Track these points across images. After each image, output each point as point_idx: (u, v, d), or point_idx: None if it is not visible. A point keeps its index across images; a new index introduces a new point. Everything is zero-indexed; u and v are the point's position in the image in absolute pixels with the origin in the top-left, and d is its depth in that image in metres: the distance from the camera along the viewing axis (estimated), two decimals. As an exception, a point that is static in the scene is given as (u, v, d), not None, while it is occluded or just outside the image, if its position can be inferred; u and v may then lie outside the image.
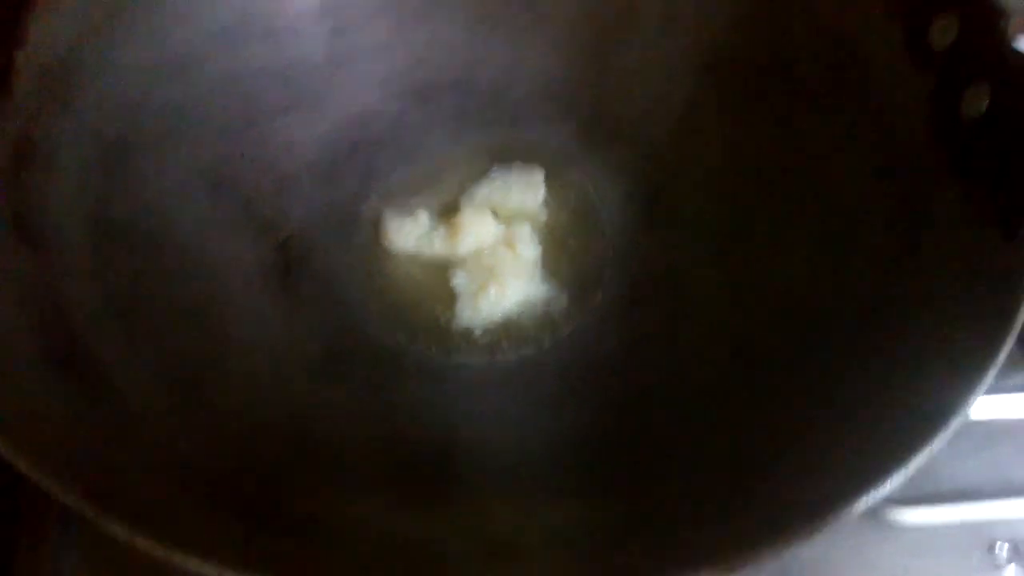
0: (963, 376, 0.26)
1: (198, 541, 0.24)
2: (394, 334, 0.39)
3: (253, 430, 0.33)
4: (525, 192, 0.43)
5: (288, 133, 0.42)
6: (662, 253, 0.41)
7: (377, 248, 0.42)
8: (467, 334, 0.39)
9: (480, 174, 0.43)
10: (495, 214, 0.42)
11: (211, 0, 0.40)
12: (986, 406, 0.38)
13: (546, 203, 0.43)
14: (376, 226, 0.42)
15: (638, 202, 0.42)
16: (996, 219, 0.30)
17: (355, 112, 0.44)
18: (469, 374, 0.39)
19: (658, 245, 0.41)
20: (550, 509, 0.32)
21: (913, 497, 0.36)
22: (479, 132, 0.45)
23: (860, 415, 0.28)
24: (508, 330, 0.40)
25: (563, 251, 0.42)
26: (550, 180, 0.43)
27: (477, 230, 0.41)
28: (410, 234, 0.41)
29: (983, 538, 0.36)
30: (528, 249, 0.41)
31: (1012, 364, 0.34)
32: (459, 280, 0.40)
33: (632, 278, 0.41)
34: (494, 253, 0.41)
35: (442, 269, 0.41)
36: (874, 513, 0.35)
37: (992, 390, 0.26)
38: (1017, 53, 0.31)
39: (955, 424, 0.25)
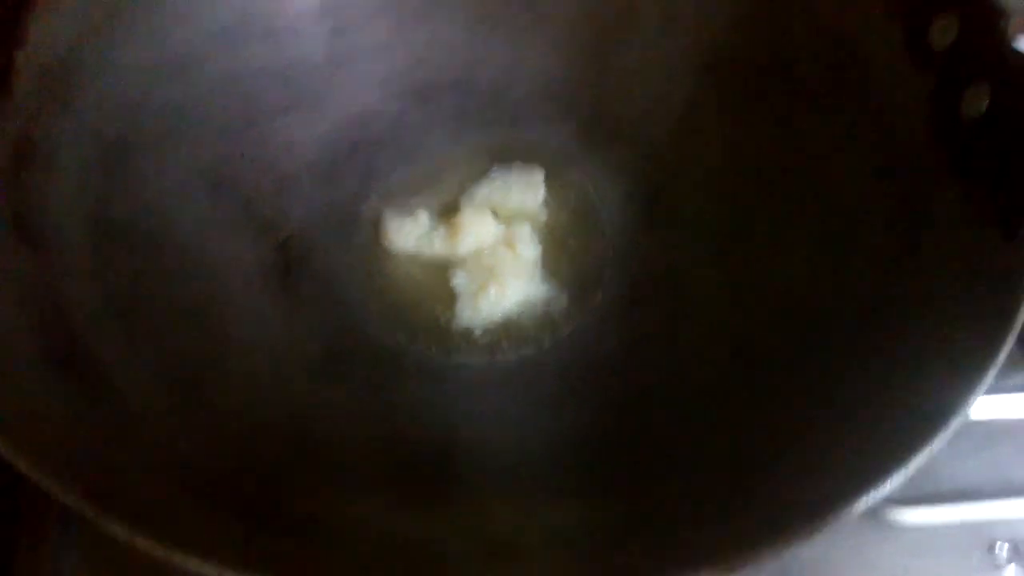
0: (963, 376, 0.26)
1: (198, 541, 0.24)
2: (394, 334, 0.39)
3: (253, 430, 0.33)
4: (525, 192, 0.43)
5: (288, 133, 0.42)
6: (662, 253, 0.41)
7: (377, 248, 0.42)
8: (467, 334, 0.39)
9: (480, 174, 0.43)
10: (495, 214, 0.42)
11: (211, 0, 0.40)
12: (986, 406, 0.38)
13: (546, 203, 0.43)
14: (376, 226, 0.42)
15: (638, 202, 0.42)
16: (996, 219, 0.30)
17: (355, 112, 0.44)
18: (469, 374, 0.39)
19: (658, 245, 0.41)
20: (550, 509, 0.32)
21: (913, 497, 0.36)
22: (479, 132, 0.45)
23: (860, 415, 0.28)
24: (508, 330, 0.40)
25: (563, 251, 0.42)
26: (550, 180, 0.43)
27: (477, 230, 0.41)
28: (410, 234, 0.41)
29: (983, 538, 0.36)
30: (528, 249, 0.41)
31: (1012, 364, 0.34)
32: (459, 280, 0.40)
33: (632, 278, 0.41)
34: (494, 253, 0.41)
35: (442, 269, 0.41)
36: (874, 513, 0.35)
37: (992, 390, 0.26)
38: (1017, 53, 0.31)
39: (955, 424, 0.25)
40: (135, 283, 0.35)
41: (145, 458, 0.29)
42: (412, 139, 0.44)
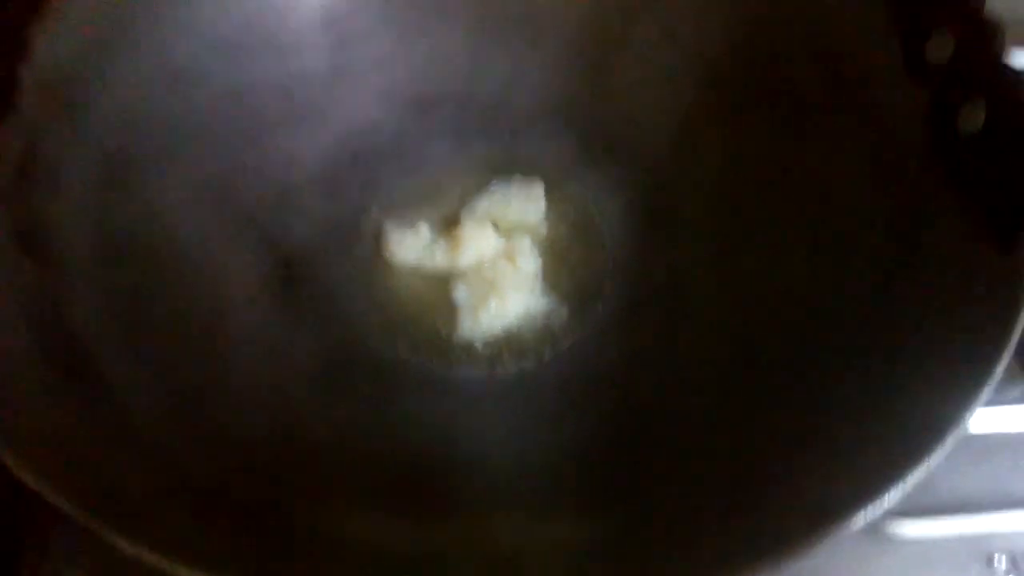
0: (961, 390, 0.26)
1: (200, 555, 0.24)
2: (395, 346, 0.40)
3: (254, 442, 0.33)
4: (525, 205, 0.43)
5: (290, 146, 0.42)
6: (661, 265, 0.41)
7: (378, 260, 0.42)
8: (468, 347, 0.40)
9: (480, 187, 0.43)
10: (496, 227, 0.42)
11: (214, 14, 0.40)
12: (985, 419, 0.38)
13: (546, 216, 0.43)
14: (377, 238, 0.42)
15: (637, 215, 0.43)
16: (993, 233, 0.30)
17: (356, 125, 0.44)
18: (470, 386, 0.39)
19: (657, 257, 0.41)
20: (551, 522, 0.32)
21: (912, 509, 0.36)
22: (479, 145, 0.45)
23: (858, 430, 0.29)
24: (509, 343, 0.40)
25: (563, 264, 0.42)
26: (550, 193, 0.43)
27: (478, 243, 0.41)
28: (411, 247, 0.42)
29: (981, 550, 0.36)
30: (528, 262, 0.41)
31: (1011, 377, 0.34)
32: (460, 293, 0.41)
33: (632, 290, 0.41)
34: (495, 266, 0.41)
35: (443, 282, 0.41)
36: (873, 525, 0.35)
37: (990, 403, 0.27)
38: (1012, 69, 0.31)
39: (953, 438, 0.25)
40: (138, 296, 0.35)
41: (148, 471, 0.29)
42: (413, 152, 0.44)
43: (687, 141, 0.42)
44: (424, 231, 0.42)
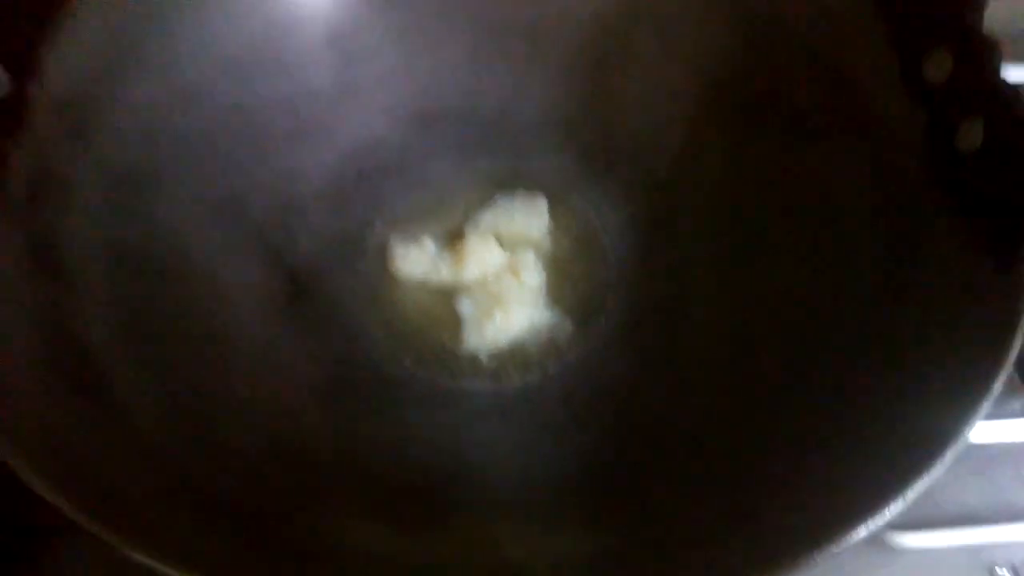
0: (960, 405, 0.27)
1: (206, 563, 0.24)
2: (400, 360, 0.40)
3: (260, 454, 0.34)
4: (529, 219, 0.43)
5: (296, 162, 0.43)
6: (664, 279, 0.41)
7: (384, 275, 0.42)
8: (473, 360, 0.40)
9: (484, 201, 0.44)
10: (500, 241, 0.42)
11: (221, 33, 0.41)
12: (986, 431, 0.38)
13: (549, 230, 0.43)
14: (382, 253, 0.42)
15: (640, 228, 0.43)
16: (992, 249, 0.30)
17: (361, 141, 0.44)
18: (475, 399, 0.39)
19: (660, 271, 0.42)
20: (555, 535, 0.32)
21: (914, 521, 0.36)
22: (483, 160, 0.45)
23: (859, 443, 0.29)
24: (513, 356, 0.40)
25: (567, 278, 0.42)
26: (553, 207, 0.44)
27: (482, 257, 0.42)
28: (416, 261, 0.42)
29: (983, 562, 0.36)
30: (532, 276, 0.42)
31: (1011, 390, 0.34)
32: (465, 306, 0.41)
33: (635, 303, 0.41)
34: (499, 280, 0.41)
35: (448, 296, 0.42)
36: (876, 537, 0.36)
37: (991, 416, 0.27)
38: (1010, 87, 0.32)
39: (953, 452, 0.26)
40: (147, 310, 0.35)
41: (155, 480, 0.30)
42: (417, 167, 0.45)
43: (688, 156, 0.43)
44: (429, 245, 0.42)
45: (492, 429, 0.38)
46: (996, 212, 0.31)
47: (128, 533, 0.24)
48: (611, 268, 0.42)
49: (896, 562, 0.36)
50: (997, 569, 0.36)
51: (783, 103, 0.40)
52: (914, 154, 0.34)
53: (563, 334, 0.41)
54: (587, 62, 0.45)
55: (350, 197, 0.44)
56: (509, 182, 0.45)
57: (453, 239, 0.43)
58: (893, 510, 0.25)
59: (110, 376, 0.32)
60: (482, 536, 0.32)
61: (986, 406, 0.26)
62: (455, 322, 0.41)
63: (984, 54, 0.32)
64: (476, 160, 0.45)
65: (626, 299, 0.41)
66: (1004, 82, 0.32)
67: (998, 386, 0.27)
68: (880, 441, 0.28)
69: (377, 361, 0.40)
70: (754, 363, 0.36)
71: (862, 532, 0.24)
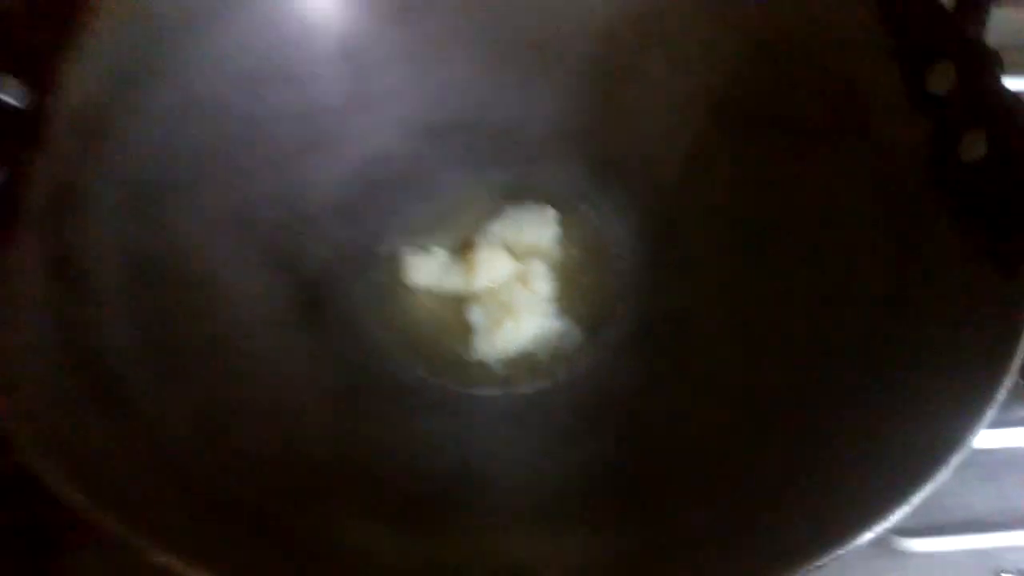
0: (965, 412, 0.27)
1: (225, 563, 0.25)
2: (412, 367, 0.40)
3: (276, 460, 0.34)
4: (538, 229, 0.44)
5: (310, 173, 0.43)
6: (672, 288, 0.42)
7: (396, 284, 0.43)
8: (483, 367, 0.40)
9: (494, 212, 0.44)
10: (510, 251, 0.43)
11: (236, 47, 0.41)
12: (993, 437, 0.38)
13: (559, 240, 0.44)
14: (394, 263, 0.43)
15: (648, 239, 0.43)
16: (996, 258, 0.31)
17: (373, 152, 0.45)
18: (486, 406, 0.39)
19: (668, 280, 0.42)
20: (564, 539, 0.33)
21: (922, 526, 0.37)
22: (493, 171, 0.46)
23: (864, 449, 0.29)
24: (523, 364, 0.40)
25: (576, 287, 0.43)
26: (562, 218, 0.44)
27: (492, 267, 0.42)
28: (427, 271, 0.42)
29: (990, 567, 0.36)
30: (542, 285, 0.42)
31: (1018, 397, 0.35)
32: (475, 315, 0.41)
33: (644, 313, 0.42)
34: (509, 289, 0.42)
35: (459, 304, 0.42)
36: (882, 542, 0.36)
37: (998, 423, 0.27)
38: (1013, 96, 0.32)
39: (957, 459, 0.26)
40: (166, 320, 0.36)
41: (176, 484, 0.30)
42: (428, 179, 0.45)
43: (695, 167, 0.43)
44: (440, 255, 0.43)
45: (502, 435, 0.38)
46: (1000, 220, 0.31)
47: (151, 534, 0.25)
48: (620, 277, 0.43)
49: (904, 567, 0.36)
50: (1004, 574, 0.36)
51: (789, 115, 0.40)
52: (918, 164, 0.35)
53: (572, 342, 0.41)
54: (596, 75, 0.45)
55: (362, 208, 0.44)
56: (519, 193, 0.45)
57: (464, 249, 0.43)
58: (898, 515, 0.25)
59: (129, 383, 0.33)
60: (492, 540, 0.33)
61: (990, 413, 0.27)
62: (466, 330, 0.41)
63: (986, 65, 0.33)
64: (486, 171, 0.46)
65: (634, 308, 0.42)
66: (1006, 92, 0.32)
67: (1002, 393, 0.27)
68: (885, 447, 0.29)
69: (389, 369, 0.40)
70: (760, 370, 0.37)
71: (868, 536, 0.25)
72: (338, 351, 0.40)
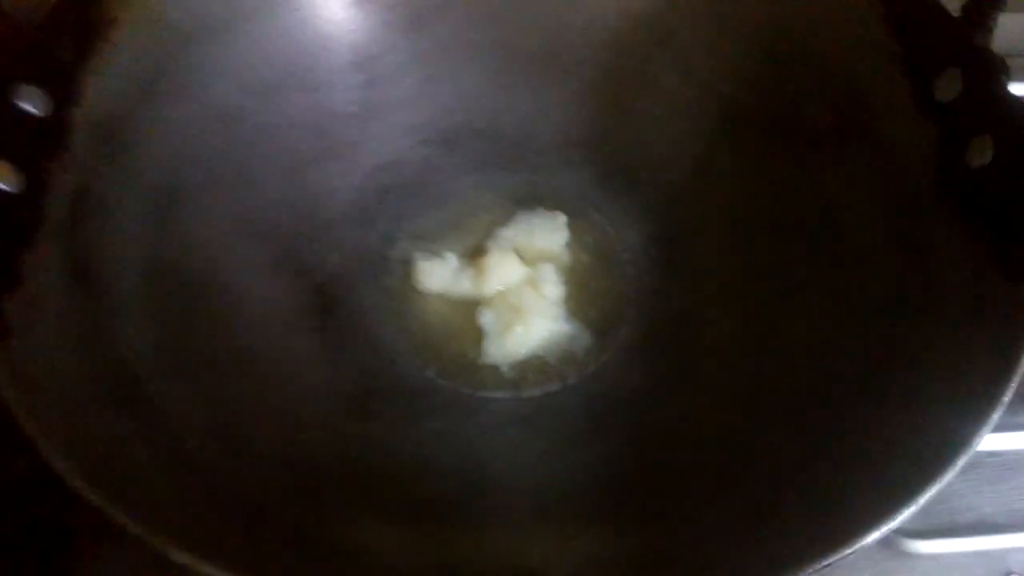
0: (971, 414, 0.28)
1: (245, 563, 0.25)
2: (424, 370, 0.41)
3: (291, 461, 0.35)
4: (549, 235, 0.44)
5: (324, 181, 0.44)
6: (681, 292, 0.42)
7: (408, 289, 0.43)
8: (494, 370, 0.41)
9: (505, 218, 0.45)
10: (520, 256, 0.43)
11: (252, 57, 0.42)
12: (1000, 440, 0.38)
13: (569, 245, 0.44)
14: (407, 268, 0.43)
15: (657, 245, 0.44)
16: (1002, 262, 0.31)
17: (386, 160, 0.46)
18: (496, 409, 0.40)
19: (677, 284, 0.43)
20: (574, 540, 0.33)
21: (930, 528, 0.37)
22: (504, 178, 0.46)
23: (871, 451, 0.30)
24: (534, 367, 0.41)
25: (585, 291, 0.43)
26: (572, 223, 0.45)
27: (503, 271, 0.43)
28: (439, 275, 0.43)
29: (999, 568, 0.37)
30: (552, 289, 0.42)
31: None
32: (486, 319, 0.42)
33: (652, 316, 0.42)
34: (519, 293, 0.42)
35: (470, 308, 0.42)
36: (890, 544, 0.36)
37: (1005, 425, 0.28)
38: (1019, 104, 0.33)
39: (963, 460, 0.26)
40: (183, 325, 0.36)
41: (195, 486, 0.31)
42: (440, 185, 0.46)
43: (704, 173, 0.44)
44: (451, 260, 0.43)
45: (513, 437, 0.39)
46: (1006, 224, 0.32)
47: (169, 533, 0.25)
48: (629, 282, 0.43)
49: (912, 568, 0.36)
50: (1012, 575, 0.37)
51: (797, 121, 0.41)
52: (925, 170, 0.35)
53: (582, 346, 0.41)
54: (606, 83, 0.46)
55: (375, 214, 0.45)
56: (530, 199, 0.46)
57: (475, 254, 0.44)
58: (905, 515, 0.26)
59: (147, 385, 0.33)
60: (501, 541, 0.33)
61: (996, 416, 0.27)
62: (477, 334, 0.42)
63: (992, 72, 0.33)
64: (497, 178, 0.46)
65: (643, 312, 0.42)
66: (1013, 98, 0.33)
67: (1008, 395, 0.28)
68: (892, 448, 0.29)
69: (401, 372, 0.41)
70: (768, 373, 0.37)
71: (875, 536, 0.25)
72: (350, 354, 0.41)
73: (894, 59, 0.37)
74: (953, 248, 0.33)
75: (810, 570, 0.24)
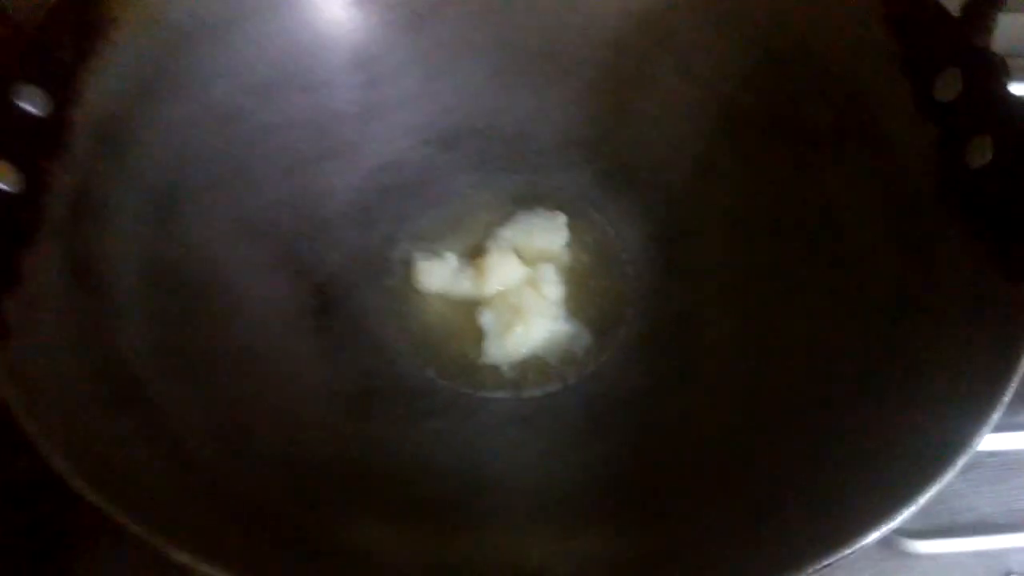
0: (971, 414, 0.28)
1: (245, 562, 0.25)
2: (425, 370, 0.41)
3: (292, 461, 0.35)
4: (548, 235, 0.44)
5: (324, 180, 0.44)
6: (681, 292, 0.42)
7: (408, 289, 0.43)
8: (494, 370, 0.41)
9: (505, 217, 0.45)
10: (520, 256, 0.43)
11: (252, 57, 0.42)
12: (1000, 440, 0.38)
13: (568, 245, 0.44)
14: (407, 268, 0.44)
15: (657, 244, 0.44)
16: (1002, 262, 0.31)
17: (386, 159, 0.46)
18: (496, 409, 0.40)
19: (677, 284, 0.43)
20: (575, 539, 0.33)
21: (930, 528, 0.37)
22: (504, 178, 0.46)
23: (871, 451, 0.30)
24: (534, 367, 0.41)
25: (585, 291, 0.43)
26: (572, 223, 0.45)
27: (503, 271, 0.43)
28: (439, 275, 0.43)
29: (998, 568, 0.37)
30: (552, 289, 0.43)
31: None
32: (486, 319, 0.42)
33: (652, 316, 0.42)
34: (519, 293, 0.42)
35: (470, 308, 0.43)
36: (890, 544, 0.36)
37: (1005, 426, 0.28)
38: (1018, 104, 0.33)
39: (963, 460, 0.26)
40: (183, 325, 0.36)
41: (195, 487, 0.31)
42: (440, 185, 0.46)
43: (704, 173, 0.44)
44: (451, 260, 0.43)
45: (513, 437, 0.39)
46: (1005, 224, 0.32)
47: (170, 533, 0.25)
48: (629, 281, 0.43)
49: (912, 569, 0.37)
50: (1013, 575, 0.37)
51: (797, 121, 0.41)
52: (925, 170, 0.35)
53: (582, 345, 0.42)
54: (606, 83, 0.46)
55: (375, 214, 0.45)
56: (529, 199, 0.46)
57: (475, 254, 0.44)
58: (905, 515, 0.26)
59: (147, 386, 0.33)
60: (501, 541, 0.33)
61: (996, 416, 0.27)
62: (476, 334, 0.42)
63: (992, 72, 0.33)
64: (497, 178, 0.46)
65: (643, 311, 0.42)
66: (1013, 99, 0.33)
67: (1008, 396, 0.28)
68: (892, 448, 0.29)
69: (401, 372, 0.41)
70: (768, 373, 0.37)
71: (875, 536, 0.25)
72: (351, 355, 0.41)
73: (894, 59, 0.37)
74: (953, 248, 0.33)
75: (810, 570, 0.24)
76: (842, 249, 0.38)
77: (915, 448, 0.28)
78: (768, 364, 0.37)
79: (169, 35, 0.39)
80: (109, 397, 0.31)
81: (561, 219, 0.45)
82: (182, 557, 0.25)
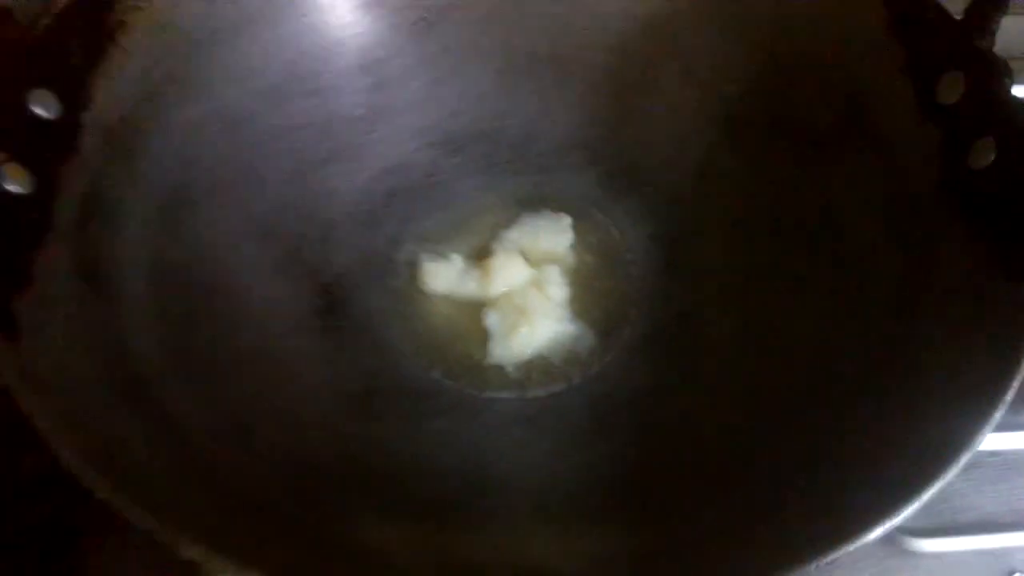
0: (973, 412, 0.28)
1: (255, 560, 0.25)
2: (430, 371, 0.41)
3: (298, 460, 0.35)
4: (553, 236, 0.44)
5: (330, 183, 0.44)
6: (684, 293, 0.43)
7: (414, 290, 0.43)
8: (499, 371, 0.41)
9: (510, 220, 0.45)
10: (525, 257, 0.44)
11: (260, 61, 0.42)
12: (1002, 439, 0.38)
13: (573, 247, 0.45)
14: (413, 269, 0.44)
15: (660, 246, 0.44)
16: (1004, 263, 0.31)
17: (392, 162, 0.46)
18: (502, 409, 0.40)
19: (680, 285, 0.43)
20: (579, 539, 0.33)
21: (933, 527, 0.37)
22: (509, 180, 0.47)
23: (873, 449, 0.30)
24: (539, 367, 0.41)
25: (590, 292, 0.44)
26: (577, 225, 0.45)
27: (508, 273, 0.43)
28: (445, 277, 0.43)
29: (1000, 567, 0.37)
30: (557, 290, 0.43)
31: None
32: (491, 320, 0.42)
33: (656, 317, 0.42)
34: (524, 294, 0.42)
35: (475, 310, 0.43)
36: (893, 542, 0.36)
37: (1008, 426, 0.28)
38: (1022, 105, 0.33)
39: (965, 458, 0.26)
40: (191, 325, 0.37)
41: (203, 484, 0.31)
42: (446, 187, 0.46)
43: (706, 174, 0.44)
44: (457, 262, 0.44)
45: (516, 437, 0.39)
46: (1007, 225, 0.32)
47: (178, 529, 0.25)
48: (633, 283, 0.44)
49: (915, 567, 0.37)
50: (1016, 574, 0.37)
51: (800, 124, 0.41)
52: (927, 171, 0.35)
53: (586, 346, 0.42)
54: (610, 86, 0.46)
55: (381, 216, 0.45)
56: (534, 201, 0.46)
57: (480, 256, 0.44)
58: (907, 512, 0.26)
59: (155, 385, 0.33)
60: (505, 540, 0.34)
61: (998, 415, 0.27)
62: (482, 335, 0.42)
63: (995, 75, 0.33)
64: (502, 180, 0.47)
65: (646, 312, 0.42)
66: (1015, 101, 0.33)
67: (1010, 394, 0.28)
68: (894, 446, 0.29)
69: (407, 373, 0.41)
70: (771, 372, 0.37)
71: (877, 533, 0.25)
72: (356, 355, 0.41)
73: (896, 61, 0.37)
74: (954, 248, 0.33)
75: (813, 565, 0.25)
76: (843, 249, 0.38)
77: (916, 447, 0.28)
78: (768, 364, 0.38)
79: (178, 39, 0.40)
80: (117, 394, 0.31)
81: (566, 221, 0.45)
82: (188, 551, 0.25)
